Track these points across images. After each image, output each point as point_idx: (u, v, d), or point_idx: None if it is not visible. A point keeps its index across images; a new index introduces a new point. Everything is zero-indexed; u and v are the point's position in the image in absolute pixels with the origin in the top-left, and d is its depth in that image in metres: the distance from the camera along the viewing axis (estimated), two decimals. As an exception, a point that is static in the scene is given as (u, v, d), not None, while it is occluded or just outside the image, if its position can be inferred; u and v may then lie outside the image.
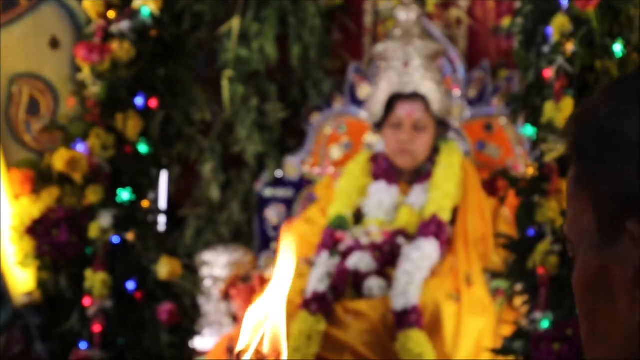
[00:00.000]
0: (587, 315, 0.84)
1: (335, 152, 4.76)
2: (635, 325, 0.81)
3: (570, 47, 2.96)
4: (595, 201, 0.83)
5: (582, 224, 0.83)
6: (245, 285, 4.27)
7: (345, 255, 3.98)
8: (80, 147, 3.27)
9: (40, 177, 3.33)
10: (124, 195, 3.28)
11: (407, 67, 4.20)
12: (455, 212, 4.10)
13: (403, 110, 4.18)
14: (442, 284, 3.85)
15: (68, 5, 3.45)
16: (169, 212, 4.51)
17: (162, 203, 4.63)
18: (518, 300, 3.75)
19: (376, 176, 4.24)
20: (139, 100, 3.32)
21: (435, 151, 4.23)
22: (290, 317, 3.80)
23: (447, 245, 4.01)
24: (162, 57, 3.40)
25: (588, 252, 0.83)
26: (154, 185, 3.50)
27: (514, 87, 4.58)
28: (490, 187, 3.66)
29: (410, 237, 3.98)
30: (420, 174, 4.21)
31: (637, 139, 0.81)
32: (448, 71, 4.72)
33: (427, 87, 4.17)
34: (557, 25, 2.99)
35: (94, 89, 3.29)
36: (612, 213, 0.81)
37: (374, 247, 3.95)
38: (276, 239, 4.72)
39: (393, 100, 4.21)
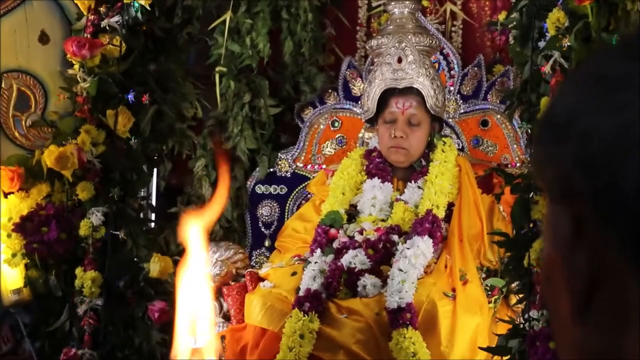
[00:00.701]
0: (550, 315, 0.81)
1: (329, 149, 4.75)
2: (568, 320, 0.76)
3: (566, 42, 2.95)
4: (548, 191, 0.79)
5: (547, 220, 0.81)
6: (237, 283, 4.26)
7: (339, 252, 3.97)
8: (71, 144, 3.25)
9: (30, 174, 3.31)
10: (115, 192, 3.26)
11: (400, 62, 4.19)
12: (450, 209, 4.09)
13: (397, 106, 4.17)
14: (437, 282, 3.83)
15: (58, 0, 3.44)
16: (160, 209, 4.50)
17: (153, 200, 4.63)
18: (514, 299, 3.74)
19: (370, 173, 4.23)
20: (129, 96, 3.31)
21: (429, 147, 4.22)
22: (283, 315, 3.79)
23: (442, 242, 4.00)
24: (152, 52, 3.39)
25: (547, 247, 0.80)
26: (145, 181, 3.48)
27: (509, 82, 4.57)
28: (485, 184, 3.66)
29: (404, 235, 3.97)
30: (415, 170, 4.20)
31: (567, 118, 0.77)
32: (443, 67, 4.71)
33: (421, 82, 4.16)
34: (553, 20, 2.98)
35: (84, 85, 3.28)
36: (556, 199, 0.78)
37: (368, 245, 3.94)
38: (269, 236, 4.72)
39: (387, 96, 4.19)
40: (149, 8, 3.31)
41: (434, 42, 4.40)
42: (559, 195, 0.77)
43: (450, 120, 4.63)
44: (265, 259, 4.62)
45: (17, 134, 3.43)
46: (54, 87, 3.41)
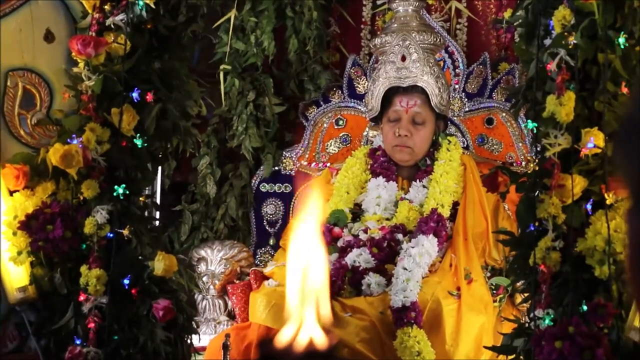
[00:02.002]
0: None
1: (333, 147, 4.76)
2: None
3: (572, 39, 2.95)
4: (627, 190, 0.82)
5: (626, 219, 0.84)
6: (242, 282, 4.27)
7: (343, 251, 3.97)
8: (76, 142, 3.26)
9: (35, 172, 3.32)
10: (119, 190, 3.26)
11: (404, 60, 4.19)
12: (455, 208, 4.09)
13: (401, 105, 4.17)
14: (441, 281, 3.83)
15: (63, -2, 3.45)
16: (164, 207, 4.51)
17: (158, 198, 4.63)
18: (519, 298, 3.74)
19: (374, 172, 4.23)
20: (134, 94, 3.31)
21: (434, 146, 4.22)
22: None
23: (447, 241, 4.00)
24: (157, 50, 3.39)
25: (628, 246, 0.83)
26: (149, 180, 3.48)
27: (514, 80, 4.57)
28: (490, 182, 3.66)
29: (409, 234, 3.97)
30: (420, 169, 4.20)
31: (637, 123, 0.80)
32: (448, 65, 4.71)
33: (426, 80, 4.16)
34: (559, 18, 2.98)
35: (89, 83, 3.28)
36: (632, 198, 0.81)
37: (372, 244, 3.94)
38: (273, 234, 4.72)
39: (391, 95, 4.19)
40: (153, 6, 3.31)
41: (438, 39, 4.40)
42: (632, 195, 0.80)
43: (455, 118, 4.64)
44: (269, 257, 4.63)
45: (22, 132, 3.43)
46: (59, 85, 3.41)
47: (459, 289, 3.84)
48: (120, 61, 3.30)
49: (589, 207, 2.93)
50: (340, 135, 4.76)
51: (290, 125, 4.92)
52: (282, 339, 1.15)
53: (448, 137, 4.24)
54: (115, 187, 3.25)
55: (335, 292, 3.81)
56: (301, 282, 1.27)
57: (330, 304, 3.69)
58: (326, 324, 1.18)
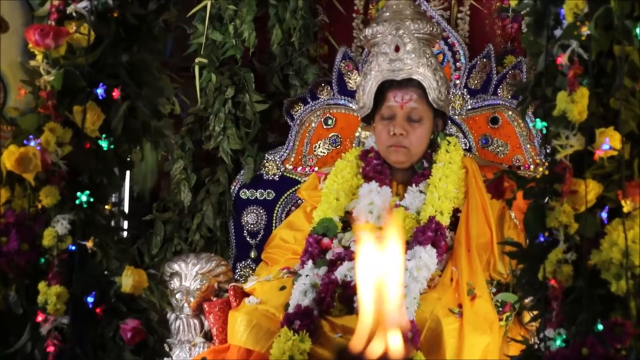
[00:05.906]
0: None
1: (322, 149, 4.76)
2: None
3: (585, 30, 2.95)
4: None
5: None
6: (220, 299, 4.26)
7: (332, 264, 3.96)
8: (33, 144, 3.24)
9: (-13, 178, 3.30)
10: (83, 197, 3.25)
11: (398, 51, 4.18)
12: (455, 215, 4.09)
13: (395, 100, 4.16)
14: (441, 297, 3.83)
15: (19, -17, 3.45)
16: (133, 217, 4.49)
17: (126, 206, 4.62)
18: (527, 316, 3.73)
19: (366, 176, 4.23)
20: (99, 91, 3.30)
21: (432, 147, 4.22)
22: (271, 335, 3.78)
23: (447, 253, 4.00)
24: (125, 41, 3.38)
25: None
26: (116, 186, 3.47)
27: (522, 75, 4.58)
28: (495, 188, 3.64)
29: (405, 245, 3.96)
30: (416, 172, 4.20)
31: None
32: (448, 58, 4.71)
33: (422, 73, 4.15)
34: (571, 6, 2.98)
35: (48, 78, 3.27)
36: None
37: (364, 256, 3.93)
38: (254, 246, 4.71)
39: (384, 90, 4.19)
40: (120, -9, 3.31)
41: (434, 29, 4.39)
42: None
43: (456, 117, 4.63)
44: (250, 271, 4.63)
45: (-27, 133, 3.42)
46: (14, 80, 3.40)
47: (460, 306, 3.84)
48: (84, 53, 3.29)
49: (604, 215, 2.93)
50: (330, 135, 4.76)
51: (274, 125, 4.92)
52: (359, 347, 1.18)
53: (447, 138, 4.24)
54: (78, 194, 3.24)
55: (324, 309, 3.80)
56: (377, 292, 1.30)
57: (319, 322, 3.71)
58: (406, 334, 1.21)
